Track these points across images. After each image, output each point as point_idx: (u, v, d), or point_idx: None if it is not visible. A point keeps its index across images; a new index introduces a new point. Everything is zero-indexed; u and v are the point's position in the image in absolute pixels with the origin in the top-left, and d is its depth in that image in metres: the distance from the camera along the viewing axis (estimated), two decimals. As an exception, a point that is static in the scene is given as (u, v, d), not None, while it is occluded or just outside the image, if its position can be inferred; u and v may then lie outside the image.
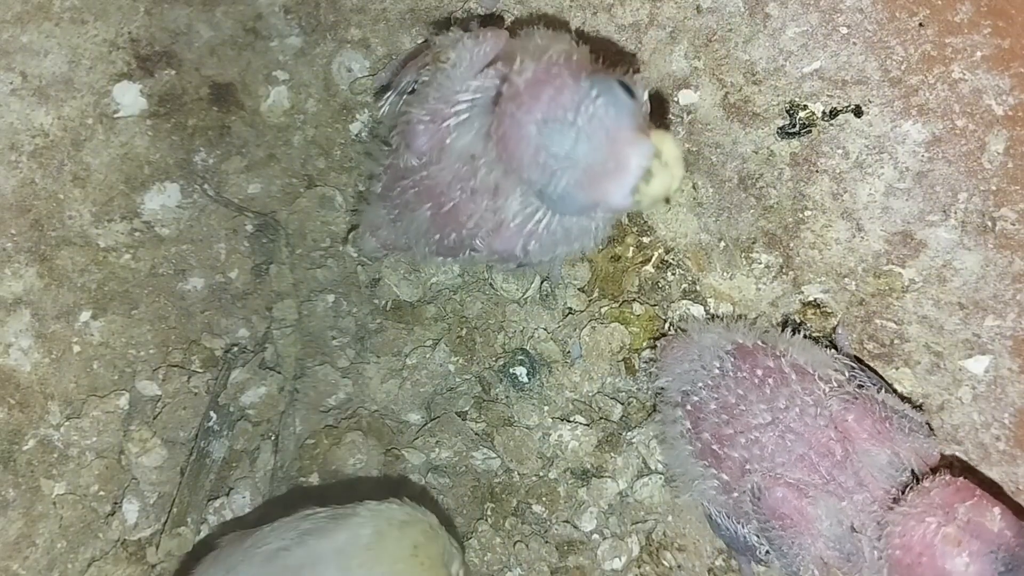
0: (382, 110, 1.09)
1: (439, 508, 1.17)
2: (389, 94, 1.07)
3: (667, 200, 0.82)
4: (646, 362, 1.16)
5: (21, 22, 1.20)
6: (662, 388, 1.09)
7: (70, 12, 1.21)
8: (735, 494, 0.98)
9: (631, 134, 0.80)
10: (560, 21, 1.18)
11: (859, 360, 1.10)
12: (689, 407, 1.03)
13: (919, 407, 1.06)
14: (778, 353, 1.01)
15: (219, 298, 1.23)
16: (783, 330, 1.07)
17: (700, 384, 1.03)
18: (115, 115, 1.22)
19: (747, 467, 0.97)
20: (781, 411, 0.96)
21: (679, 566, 1.14)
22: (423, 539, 0.99)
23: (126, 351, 1.19)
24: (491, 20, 1.18)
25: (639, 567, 1.15)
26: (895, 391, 1.07)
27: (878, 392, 1.00)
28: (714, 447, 0.99)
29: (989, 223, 1.07)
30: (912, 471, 0.93)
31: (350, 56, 1.25)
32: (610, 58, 0.98)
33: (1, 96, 1.18)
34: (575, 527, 1.16)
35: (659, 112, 1.14)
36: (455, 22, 1.15)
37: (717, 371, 1.02)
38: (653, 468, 1.16)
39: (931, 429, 1.03)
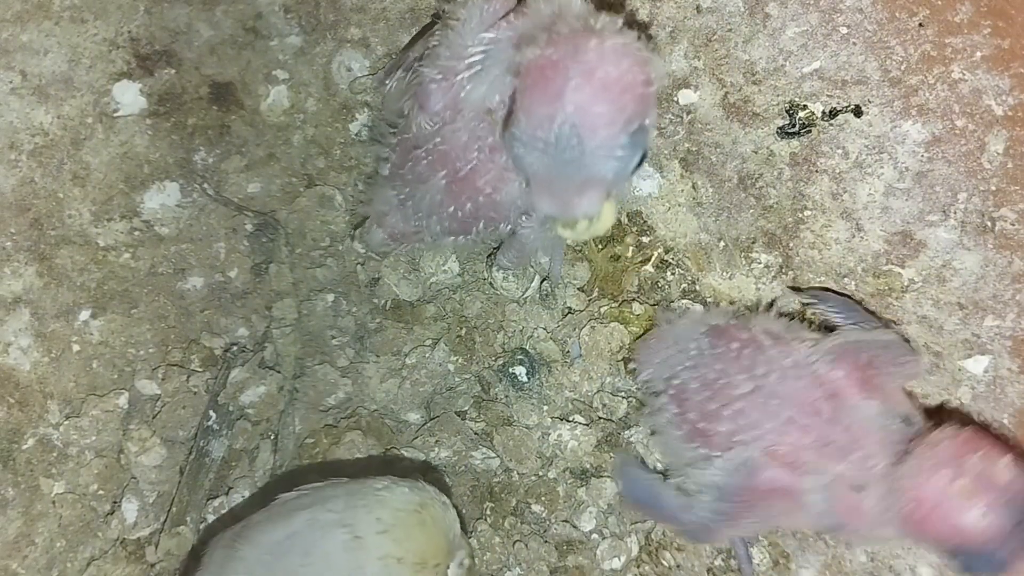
0: (389, 88, 1.08)
1: (459, 504, 1.18)
2: (397, 71, 1.07)
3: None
4: (631, 364, 1.16)
5: (21, 21, 1.20)
6: (645, 381, 1.10)
7: (70, 11, 1.21)
8: (734, 451, 0.97)
9: (596, 193, 0.80)
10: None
11: (827, 289, 1.10)
12: (672, 391, 1.04)
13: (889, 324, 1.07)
14: (751, 327, 1.02)
15: (219, 297, 1.23)
16: (756, 312, 1.08)
17: (679, 367, 1.04)
18: (115, 114, 1.22)
19: (734, 439, 0.96)
20: (761, 377, 0.96)
21: (678, 566, 1.15)
22: (430, 503, 0.99)
23: (125, 350, 1.19)
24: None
25: (638, 567, 1.15)
26: (867, 310, 1.07)
27: (853, 326, 1.00)
28: (700, 425, 0.99)
29: (989, 223, 1.07)
30: (905, 416, 0.93)
31: (350, 55, 1.25)
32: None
33: (1, 95, 1.18)
34: (574, 527, 1.16)
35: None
36: None
37: (694, 352, 1.03)
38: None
39: (908, 343, 1.03)
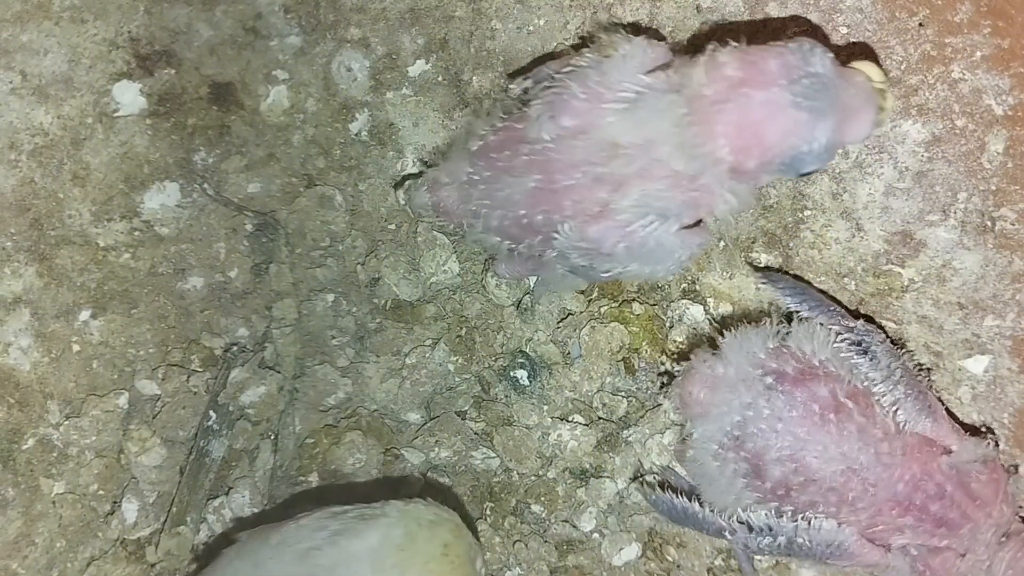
0: (514, 91, 1.08)
1: (459, 504, 1.18)
2: (526, 79, 1.07)
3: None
4: (675, 407, 1.10)
5: (21, 21, 1.20)
6: (700, 436, 0.99)
7: (70, 11, 1.21)
8: (800, 525, 0.93)
9: (852, 70, 0.87)
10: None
11: (781, 271, 1.10)
12: (745, 453, 0.95)
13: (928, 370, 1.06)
14: (823, 373, 0.93)
15: (219, 297, 1.23)
16: (799, 322, 1.02)
17: (752, 429, 0.94)
18: (115, 114, 1.22)
19: (819, 508, 0.92)
20: (854, 456, 0.90)
21: (678, 565, 1.15)
22: (452, 538, 1.00)
23: (125, 350, 1.19)
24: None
25: (644, 563, 1.15)
26: (823, 293, 1.06)
27: (810, 312, 0.99)
28: (780, 492, 0.93)
29: (989, 223, 1.07)
30: (989, 442, 0.92)
31: (350, 55, 1.25)
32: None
33: (1, 95, 1.18)
34: (574, 526, 1.16)
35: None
36: (621, 27, 1.14)
37: (767, 412, 0.93)
38: (648, 468, 1.16)
39: (923, 369, 1.02)
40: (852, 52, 1.08)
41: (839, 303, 1.07)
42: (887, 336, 1.03)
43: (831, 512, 0.91)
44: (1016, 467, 1.01)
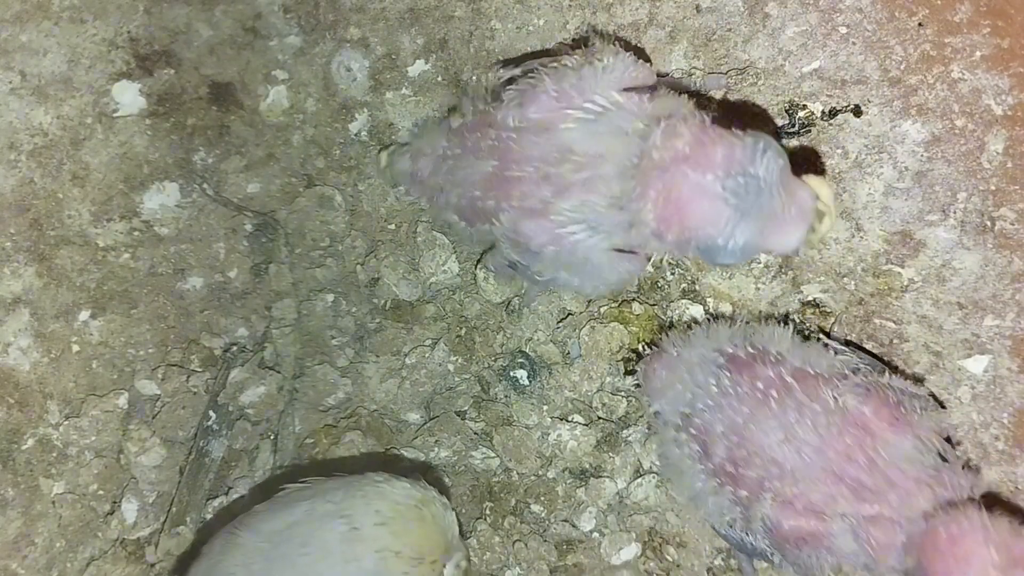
0: (500, 77, 1.09)
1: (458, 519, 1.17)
2: (515, 69, 1.08)
3: (822, 241, 0.89)
4: (634, 386, 1.14)
5: (20, 21, 1.20)
6: (656, 412, 1.06)
7: (69, 11, 1.21)
8: (754, 514, 0.96)
9: (798, 179, 0.87)
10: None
11: (850, 343, 1.09)
12: (694, 430, 1.00)
13: (920, 381, 1.06)
14: (773, 359, 0.98)
15: (218, 297, 1.23)
16: (766, 322, 1.06)
17: (700, 406, 0.99)
18: (114, 114, 1.22)
19: (765, 484, 0.94)
20: (792, 426, 0.94)
21: (678, 565, 1.15)
22: (430, 500, 0.99)
23: (125, 350, 1.19)
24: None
25: (643, 562, 1.15)
26: (895, 368, 1.07)
27: (882, 375, 0.98)
28: (728, 468, 0.97)
29: (988, 223, 1.07)
30: (938, 453, 0.92)
31: (349, 55, 1.25)
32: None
33: (1, 95, 1.18)
34: (574, 526, 1.16)
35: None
36: (617, 40, 1.14)
37: (715, 390, 0.98)
38: (648, 468, 1.16)
39: (938, 402, 1.02)
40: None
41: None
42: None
43: (775, 487, 0.94)
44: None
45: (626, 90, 0.95)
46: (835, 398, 0.94)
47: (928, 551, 0.86)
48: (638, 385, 1.11)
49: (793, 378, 0.96)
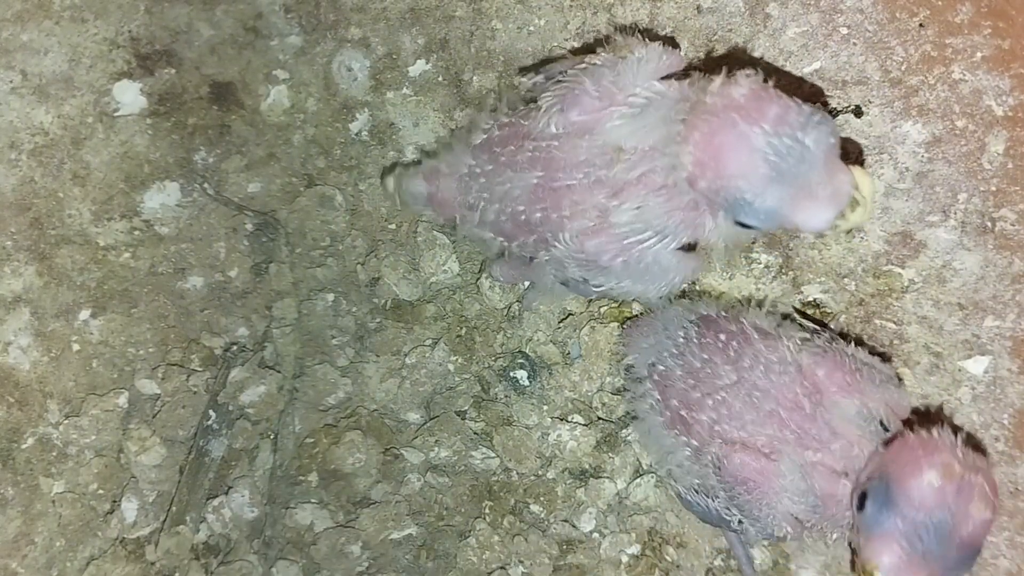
0: (525, 85, 1.08)
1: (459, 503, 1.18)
2: (538, 76, 1.07)
3: (851, 232, 0.89)
4: (620, 344, 1.16)
5: (21, 20, 1.20)
6: (630, 365, 1.09)
7: (70, 10, 1.21)
8: (704, 460, 0.98)
9: (844, 164, 0.84)
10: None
11: (824, 325, 1.10)
12: (656, 377, 1.03)
13: (888, 359, 1.07)
14: (741, 320, 1.01)
15: (219, 297, 1.23)
16: (747, 306, 1.07)
17: (666, 354, 1.03)
18: (115, 114, 1.22)
19: (715, 428, 0.96)
20: (746, 370, 0.96)
21: (678, 565, 1.15)
22: None
23: (125, 350, 1.19)
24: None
25: (643, 562, 1.15)
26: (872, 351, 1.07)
27: (847, 345, 0.99)
28: (682, 412, 0.99)
29: (989, 224, 1.07)
30: (880, 421, 0.92)
31: (350, 55, 1.25)
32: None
33: (1, 95, 1.18)
34: (574, 526, 1.16)
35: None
36: (638, 31, 1.13)
37: (682, 340, 1.02)
38: (648, 468, 1.16)
39: (901, 381, 1.02)
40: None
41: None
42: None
43: (723, 430, 0.95)
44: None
45: (663, 79, 0.93)
46: (790, 350, 0.96)
47: (894, 449, 0.87)
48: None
49: (754, 331, 0.99)
